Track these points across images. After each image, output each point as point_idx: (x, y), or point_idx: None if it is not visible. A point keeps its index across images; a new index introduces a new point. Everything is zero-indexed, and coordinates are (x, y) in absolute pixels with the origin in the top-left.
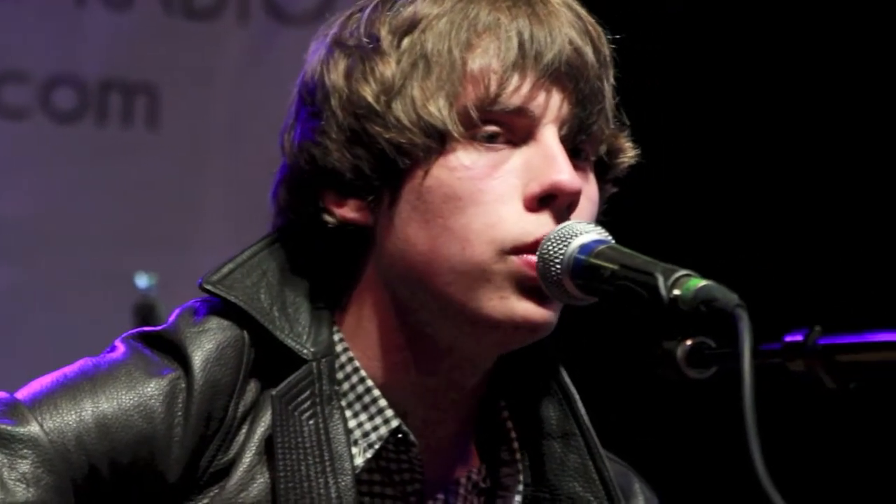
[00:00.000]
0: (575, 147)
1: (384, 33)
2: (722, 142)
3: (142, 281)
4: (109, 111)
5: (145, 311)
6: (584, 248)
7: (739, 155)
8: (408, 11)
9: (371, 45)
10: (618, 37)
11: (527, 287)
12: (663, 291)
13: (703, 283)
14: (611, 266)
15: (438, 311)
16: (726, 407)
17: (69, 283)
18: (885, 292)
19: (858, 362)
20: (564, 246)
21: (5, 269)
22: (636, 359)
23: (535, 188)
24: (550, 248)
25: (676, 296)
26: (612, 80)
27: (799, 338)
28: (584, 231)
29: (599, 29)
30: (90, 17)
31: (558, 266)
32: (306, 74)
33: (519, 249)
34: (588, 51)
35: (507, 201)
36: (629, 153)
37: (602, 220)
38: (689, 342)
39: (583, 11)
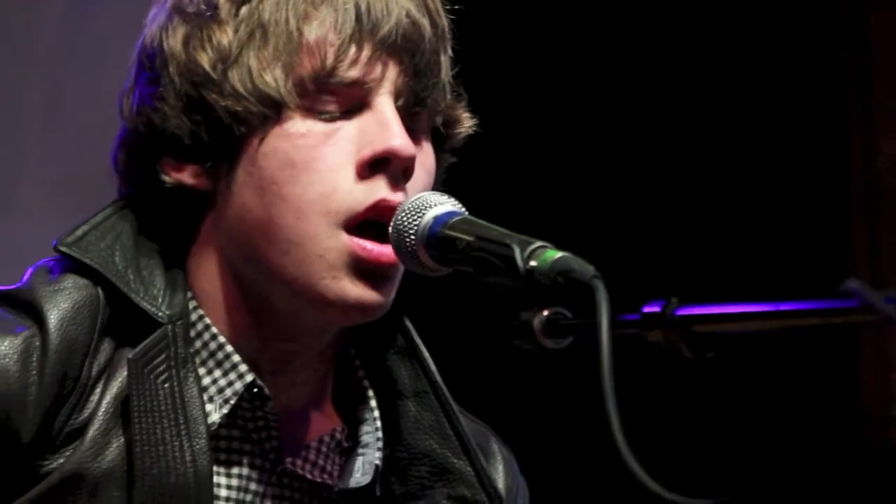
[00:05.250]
0: (411, 116)
1: (222, 1)
2: (579, 113)
3: None
4: None
5: None
6: (438, 220)
7: (595, 127)
8: None
9: (209, 13)
10: (456, 7)
11: (360, 269)
12: (520, 263)
13: (559, 254)
14: (466, 237)
15: (274, 282)
16: (586, 377)
17: None
18: (739, 266)
19: (715, 333)
20: (419, 217)
21: None
22: (495, 330)
23: (368, 153)
24: (404, 219)
25: (533, 267)
26: (449, 51)
27: (657, 308)
28: (438, 202)
29: (437, 1)
30: None
31: (413, 237)
32: (146, 39)
33: (352, 220)
34: (425, 23)
35: (340, 169)
36: (466, 124)
37: (444, 189)
38: (545, 313)
39: None
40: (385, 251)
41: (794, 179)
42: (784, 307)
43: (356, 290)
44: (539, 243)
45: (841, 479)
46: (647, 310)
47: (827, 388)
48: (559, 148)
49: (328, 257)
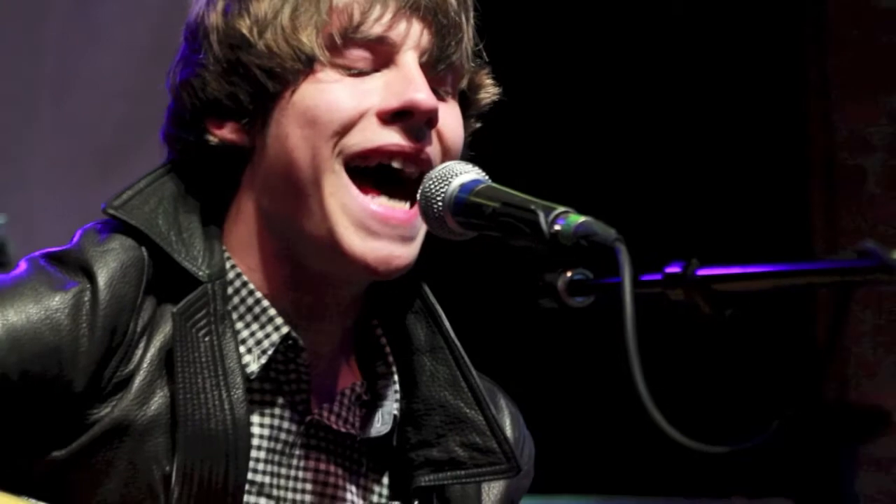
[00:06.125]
0: (436, 76)
1: None
2: (596, 84)
3: None
4: None
5: None
6: (464, 188)
7: (613, 97)
8: None
9: None
10: None
11: (378, 227)
12: (544, 227)
13: (582, 218)
14: (492, 204)
15: (302, 238)
16: (608, 334)
17: None
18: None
19: (734, 291)
20: (445, 185)
21: None
22: (520, 291)
23: (392, 103)
24: (432, 186)
25: (557, 231)
26: (472, 19)
27: (678, 269)
28: (463, 171)
29: None
30: None
31: (440, 204)
32: (189, 19)
33: (360, 155)
34: None
35: (362, 115)
36: (490, 89)
37: (471, 155)
38: (568, 274)
39: None
40: (396, 213)
41: (757, 153)
42: (803, 266)
43: (374, 247)
44: (562, 208)
45: (802, 433)
46: (668, 270)
47: (786, 349)
48: (584, 117)
49: (348, 214)
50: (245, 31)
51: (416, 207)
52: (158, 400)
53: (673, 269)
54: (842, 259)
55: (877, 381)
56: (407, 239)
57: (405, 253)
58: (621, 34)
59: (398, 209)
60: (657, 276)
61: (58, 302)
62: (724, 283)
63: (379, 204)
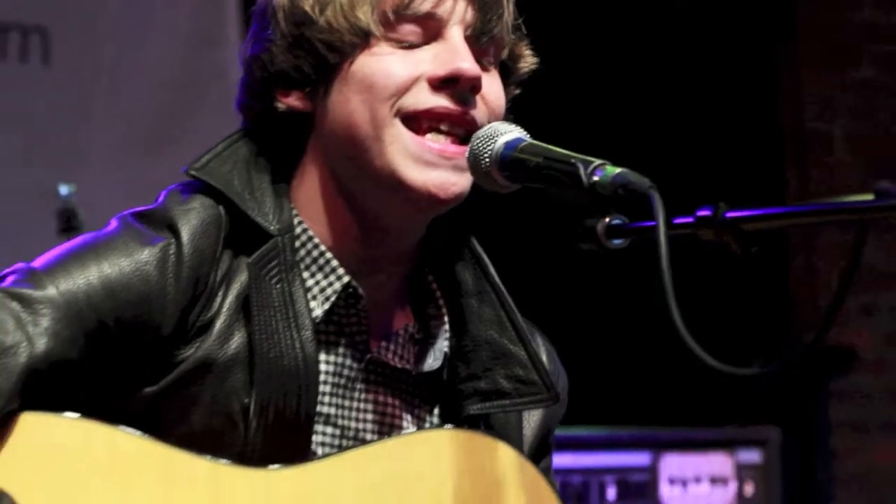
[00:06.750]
0: (479, 48)
1: None
2: (622, 49)
3: (64, 189)
4: (9, 49)
5: (68, 214)
6: (509, 145)
7: (639, 60)
8: None
9: None
10: None
11: (432, 160)
12: (584, 178)
13: (618, 170)
14: (535, 159)
15: (364, 181)
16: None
17: None
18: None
19: (760, 230)
20: (492, 143)
21: None
22: (562, 236)
23: (440, 71)
24: (479, 145)
25: (595, 181)
26: None
27: (708, 212)
28: (507, 130)
29: None
30: None
31: (487, 160)
32: (259, 2)
33: (416, 114)
34: None
35: (413, 81)
36: (529, 59)
37: (510, 118)
38: (607, 219)
39: None
40: (450, 147)
41: (734, 125)
42: (823, 206)
43: (433, 176)
44: (599, 161)
45: (777, 371)
46: (700, 213)
47: (761, 292)
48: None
49: (407, 154)
50: (308, 9)
51: (465, 149)
52: (237, 340)
53: (704, 213)
54: (860, 200)
55: (844, 323)
56: (461, 169)
57: (460, 181)
58: (608, 23)
59: (452, 144)
60: (689, 219)
61: (146, 255)
62: (753, 223)
63: (434, 140)
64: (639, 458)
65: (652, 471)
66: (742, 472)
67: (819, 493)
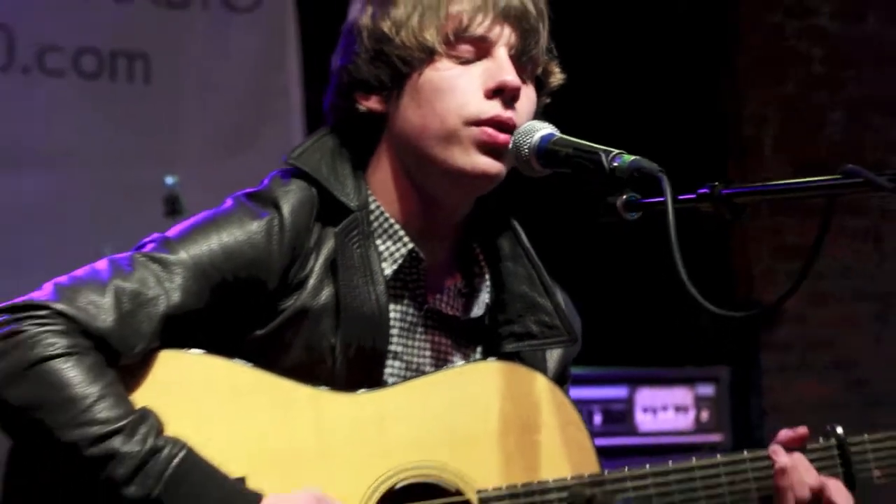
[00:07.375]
0: (520, 65)
1: None
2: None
3: (169, 180)
4: (118, 71)
5: (173, 199)
6: (544, 139)
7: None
8: None
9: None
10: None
11: (485, 148)
12: (605, 164)
13: (633, 157)
14: (565, 150)
15: (428, 168)
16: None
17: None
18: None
19: (748, 202)
20: (530, 137)
21: (50, 179)
22: (586, 212)
23: (491, 83)
24: (520, 139)
25: (615, 167)
26: (547, 26)
27: (707, 190)
28: (542, 127)
29: None
30: (103, 7)
31: (527, 151)
32: (347, 22)
33: (479, 122)
34: (529, 4)
35: (471, 92)
36: (558, 75)
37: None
38: (624, 196)
39: None
40: (500, 135)
41: (682, 128)
42: (801, 184)
43: (482, 160)
44: (617, 151)
45: (717, 326)
46: (701, 191)
47: (705, 256)
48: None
49: (462, 142)
50: (386, 30)
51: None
52: (326, 293)
53: (703, 191)
54: (832, 177)
55: (774, 283)
56: (503, 157)
57: (502, 165)
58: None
59: (500, 134)
60: (691, 196)
61: (256, 227)
62: (743, 197)
63: (483, 132)
64: (618, 392)
65: (629, 402)
66: (699, 402)
67: (754, 419)
